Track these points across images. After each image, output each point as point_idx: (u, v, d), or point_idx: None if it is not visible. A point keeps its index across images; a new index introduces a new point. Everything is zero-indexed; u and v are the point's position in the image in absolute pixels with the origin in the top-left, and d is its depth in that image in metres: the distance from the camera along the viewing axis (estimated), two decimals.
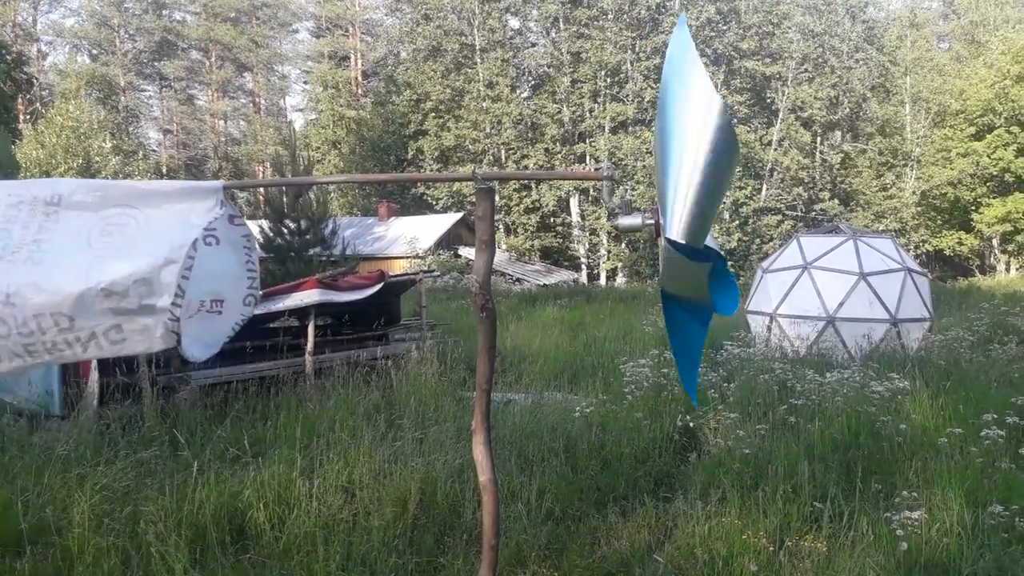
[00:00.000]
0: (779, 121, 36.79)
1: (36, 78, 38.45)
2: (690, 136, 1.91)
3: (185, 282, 2.29)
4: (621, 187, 33.68)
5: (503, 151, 36.78)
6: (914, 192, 40.50)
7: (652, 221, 2.24)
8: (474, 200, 2.49)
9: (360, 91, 54.15)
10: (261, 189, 48.53)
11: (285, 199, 17.45)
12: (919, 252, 40.46)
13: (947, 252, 42.15)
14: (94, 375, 6.55)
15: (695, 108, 1.91)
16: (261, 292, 7.81)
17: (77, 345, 2.31)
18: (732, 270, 2.48)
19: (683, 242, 2.00)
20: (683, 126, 1.93)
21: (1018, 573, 3.88)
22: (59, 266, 2.29)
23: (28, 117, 36.80)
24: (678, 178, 1.97)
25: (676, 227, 1.99)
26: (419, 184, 38.20)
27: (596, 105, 36.33)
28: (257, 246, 2.68)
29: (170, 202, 2.44)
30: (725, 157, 1.93)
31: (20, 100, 33.97)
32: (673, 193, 1.98)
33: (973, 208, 40.27)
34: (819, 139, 38.75)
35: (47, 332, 2.26)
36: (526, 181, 36.07)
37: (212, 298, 2.61)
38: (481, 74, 37.12)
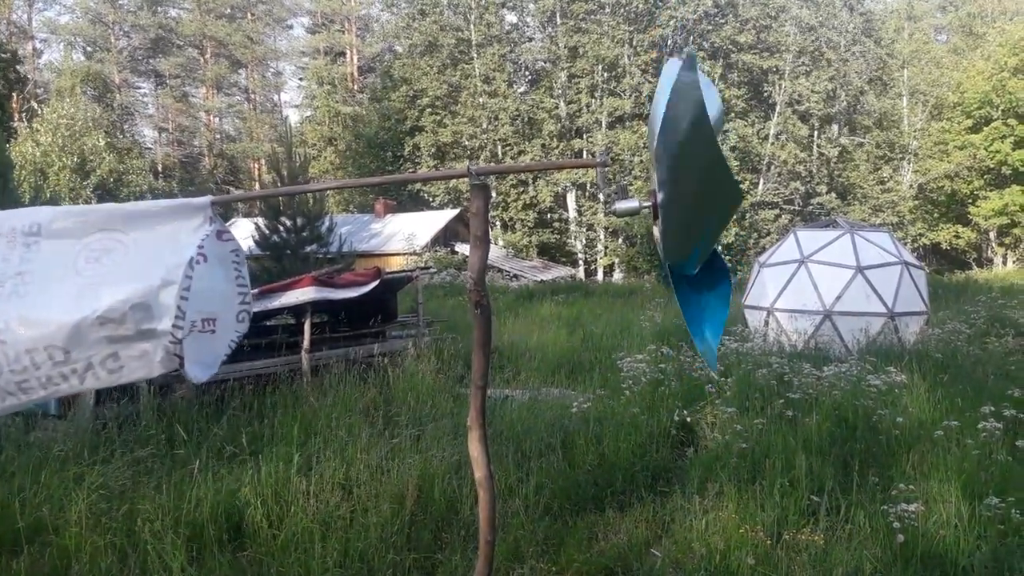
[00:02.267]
0: (776, 115, 36.78)
1: (29, 77, 38.27)
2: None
3: (184, 303, 2.23)
4: (617, 176, 33.75)
5: (500, 147, 36.69)
6: (911, 185, 40.56)
7: (649, 203, 2.22)
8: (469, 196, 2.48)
9: (356, 87, 54.00)
10: (256, 186, 48.25)
11: (280, 196, 17.44)
12: (916, 246, 40.52)
13: (944, 245, 42.22)
14: None
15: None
16: (257, 290, 7.67)
17: (73, 377, 2.25)
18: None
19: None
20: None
21: (1014, 564, 3.88)
22: (46, 297, 2.22)
23: (23, 115, 36.66)
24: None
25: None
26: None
27: (593, 100, 36.25)
28: (246, 260, 2.54)
29: (158, 222, 2.37)
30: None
31: (15, 98, 33.85)
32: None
33: (970, 201, 40.32)
34: (816, 133, 38.75)
35: (41, 367, 2.20)
36: (523, 177, 36.00)
37: (203, 317, 2.51)
38: (477, 69, 37.02)
